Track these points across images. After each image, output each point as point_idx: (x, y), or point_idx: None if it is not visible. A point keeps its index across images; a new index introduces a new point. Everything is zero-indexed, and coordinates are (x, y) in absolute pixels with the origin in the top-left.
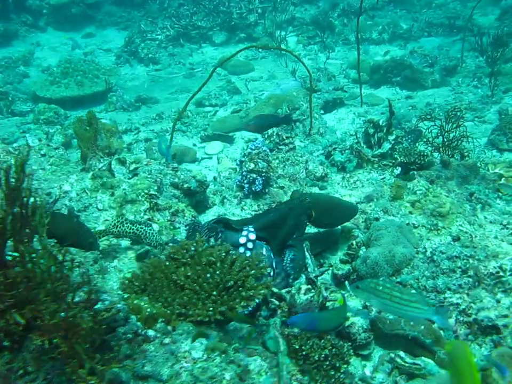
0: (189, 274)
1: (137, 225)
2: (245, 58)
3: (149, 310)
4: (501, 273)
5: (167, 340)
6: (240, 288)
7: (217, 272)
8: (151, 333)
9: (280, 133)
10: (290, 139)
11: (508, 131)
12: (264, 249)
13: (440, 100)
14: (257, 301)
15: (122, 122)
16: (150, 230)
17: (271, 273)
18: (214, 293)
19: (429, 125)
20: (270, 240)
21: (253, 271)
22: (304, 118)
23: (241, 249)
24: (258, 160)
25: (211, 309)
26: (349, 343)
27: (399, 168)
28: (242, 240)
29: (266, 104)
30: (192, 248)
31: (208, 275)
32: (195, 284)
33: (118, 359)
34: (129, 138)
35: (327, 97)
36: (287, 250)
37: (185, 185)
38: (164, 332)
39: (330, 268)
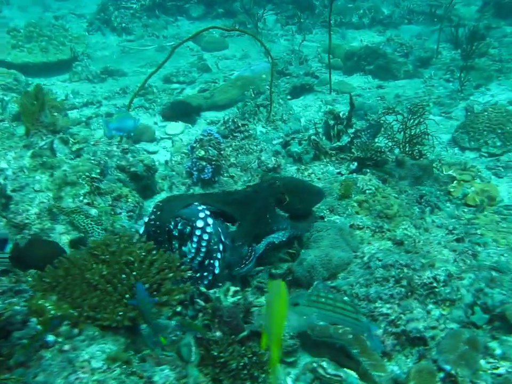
0: (104, 273)
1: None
2: (221, 35)
3: (53, 311)
4: (434, 284)
5: (66, 347)
6: (155, 293)
7: (134, 273)
8: (50, 338)
9: (235, 120)
10: (246, 126)
11: (470, 130)
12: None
13: (411, 91)
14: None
15: (84, 94)
16: (98, 228)
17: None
18: (127, 295)
19: (392, 119)
20: (239, 219)
21: (171, 274)
22: (268, 103)
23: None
24: (209, 148)
25: (121, 313)
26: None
27: (355, 163)
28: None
29: (233, 86)
30: (115, 244)
31: (124, 276)
32: (108, 285)
33: (7, 367)
34: (90, 112)
35: (295, 82)
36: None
37: (132, 169)
38: (67, 336)
39: (268, 267)
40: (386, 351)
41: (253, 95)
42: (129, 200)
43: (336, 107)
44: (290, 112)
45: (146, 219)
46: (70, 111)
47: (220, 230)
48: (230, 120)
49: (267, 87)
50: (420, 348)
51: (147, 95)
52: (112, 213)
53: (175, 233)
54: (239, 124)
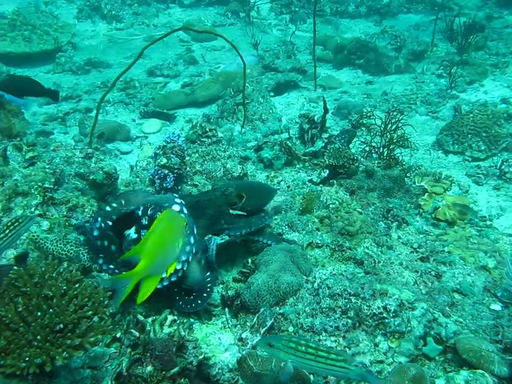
0: (20, 309)
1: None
2: (213, 23)
3: None
4: (384, 314)
5: None
6: (69, 334)
7: (51, 310)
8: None
9: (203, 125)
10: (214, 131)
11: (455, 132)
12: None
13: (400, 88)
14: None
15: (64, 88)
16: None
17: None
18: (38, 337)
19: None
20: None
21: (90, 312)
22: (247, 101)
23: (177, 207)
24: (171, 156)
25: (27, 358)
26: None
27: (327, 171)
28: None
29: (215, 82)
30: (38, 274)
31: (39, 313)
32: (22, 324)
33: None
34: (68, 107)
35: (279, 78)
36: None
37: (91, 177)
38: None
39: (221, 286)
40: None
41: (232, 93)
42: (86, 210)
43: (319, 105)
44: (270, 111)
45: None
46: (47, 106)
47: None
48: (198, 124)
49: (247, 85)
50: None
51: (128, 90)
52: (67, 224)
53: (144, 221)
54: (207, 129)
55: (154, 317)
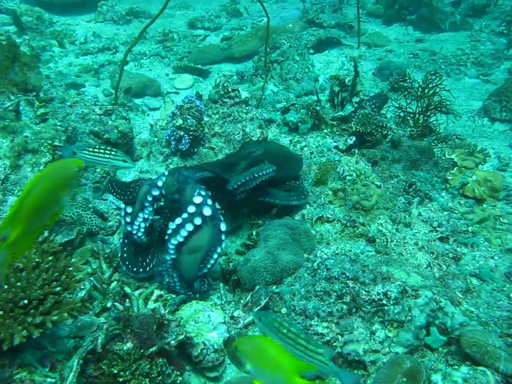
0: None
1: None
2: None
3: None
4: (384, 301)
5: None
6: (32, 311)
7: (19, 283)
8: None
9: (225, 84)
10: (237, 92)
11: (503, 98)
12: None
13: (452, 47)
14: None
15: (104, 38)
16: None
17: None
18: (0, 312)
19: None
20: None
21: (58, 288)
22: (283, 59)
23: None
24: (188, 117)
25: None
26: (179, 371)
27: (353, 138)
28: (197, 200)
29: (253, 37)
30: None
31: (6, 286)
32: None
33: None
34: (103, 59)
35: (321, 34)
36: None
37: (105, 136)
38: None
39: (223, 257)
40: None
41: (268, 49)
42: (98, 170)
43: (361, 64)
44: (307, 70)
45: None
46: (83, 57)
47: None
48: (220, 84)
49: (283, 41)
50: (360, 372)
51: (166, 42)
52: (76, 184)
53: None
54: (229, 89)
55: (142, 290)
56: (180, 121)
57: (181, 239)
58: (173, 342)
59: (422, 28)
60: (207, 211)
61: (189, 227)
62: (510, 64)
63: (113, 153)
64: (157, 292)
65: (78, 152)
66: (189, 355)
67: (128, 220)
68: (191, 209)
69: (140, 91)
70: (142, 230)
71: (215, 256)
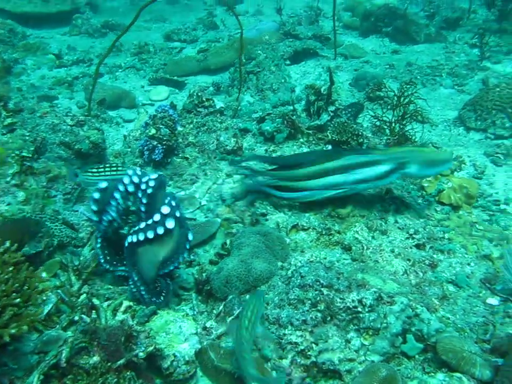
0: None
1: None
2: None
3: None
4: (359, 308)
5: None
6: None
7: None
8: None
9: (199, 94)
10: (211, 101)
11: (478, 108)
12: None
13: (427, 58)
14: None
15: (78, 50)
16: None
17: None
18: None
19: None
20: None
21: (18, 300)
22: (259, 70)
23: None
24: (161, 126)
25: None
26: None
27: (329, 147)
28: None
29: (229, 48)
30: None
31: None
32: None
33: None
34: (78, 71)
35: (297, 45)
36: None
37: (77, 146)
38: None
39: (196, 268)
40: None
41: (243, 61)
42: (67, 181)
43: (338, 75)
44: (283, 80)
45: None
46: (57, 69)
47: None
48: (194, 93)
49: (259, 51)
50: (335, 382)
51: (141, 54)
52: (46, 195)
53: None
54: (203, 99)
55: (111, 302)
56: (153, 131)
57: (138, 239)
58: (141, 354)
59: (398, 40)
60: (170, 224)
61: (150, 234)
62: (483, 75)
63: (114, 169)
64: (126, 303)
65: (81, 175)
66: (159, 367)
67: (95, 208)
68: (156, 217)
69: (115, 103)
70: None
71: (180, 259)
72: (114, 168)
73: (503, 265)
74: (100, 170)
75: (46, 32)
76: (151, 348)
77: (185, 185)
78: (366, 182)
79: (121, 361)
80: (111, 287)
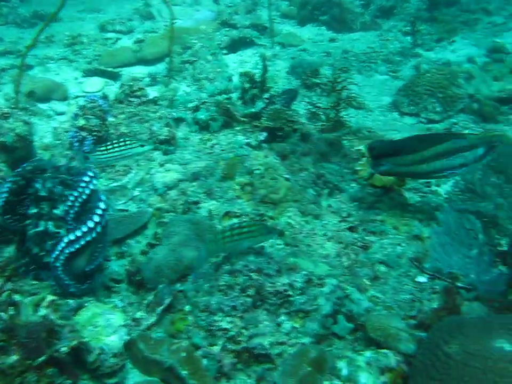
0: None
1: None
2: None
3: None
4: (290, 292)
5: None
6: None
7: None
8: None
9: (131, 83)
10: (143, 91)
11: (410, 92)
12: None
13: (363, 46)
14: None
15: (6, 41)
16: None
17: None
18: None
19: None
20: None
21: None
22: (195, 59)
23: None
24: (90, 117)
25: None
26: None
27: (264, 134)
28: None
29: (165, 38)
30: None
31: None
32: None
33: None
34: (5, 63)
35: (234, 35)
36: None
37: (0, 139)
38: None
39: (128, 258)
40: (224, 371)
41: (179, 50)
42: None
43: (275, 63)
44: (219, 69)
45: None
46: None
47: None
48: (126, 83)
49: (194, 41)
50: (267, 366)
51: (74, 46)
52: None
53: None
54: (135, 88)
55: (33, 297)
56: (82, 122)
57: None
58: (64, 349)
59: (335, 28)
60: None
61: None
62: (416, 61)
63: (128, 142)
64: (49, 297)
65: (91, 156)
66: (86, 362)
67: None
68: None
69: (45, 95)
70: None
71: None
72: (123, 143)
73: (430, 244)
74: (108, 148)
75: None
76: (74, 342)
77: (118, 177)
78: (466, 165)
79: (42, 358)
80: (36, 282)
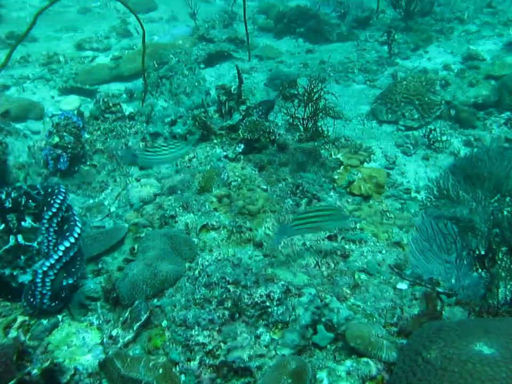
0: None
1: None
2: None
3: None
4: (268, 303)
5: None
6: None
7: None
8: None
9: (105, 99)
10: (118, 106)
11: (388, 100)
12: None
13: (340, 56)
14: None
15: None
16: None
17: None
18: None
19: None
20: None
21: None
22: (171, 74)
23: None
24: (64, 134)
25: None
26: None
27: (242, 145)
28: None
29: (141, 54)
30: None
31: None
32: None
33: None
34: None
35: (211, 49)
36: None
37: None
38: None
39: (105, 275)
40: None
41: (156, 65)
42: None
43: (253, 76)
44: (196, 83)
45: None
46: None
47: None
48: (100, 99)
49: (171, 56)
50: (246, 380)
51: (51, 65)
52: None
53: (8, 204)
54: (110, 104)
55: (4, 319)
56: (57, 139)
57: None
58: (35, 371)
59: (312, 39)
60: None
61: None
62: (393, 70)
63: (172, 145)
64: (20, 318)
65: (139, 155)
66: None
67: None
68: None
69: (21, 115)
70: None
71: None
72: (172, 145)
73: (409, 250)
74: (156, 149)
75: None
76: (46, 364)
77: (94, 193)
78: None
79: (12, 382)
80: (8, 304)
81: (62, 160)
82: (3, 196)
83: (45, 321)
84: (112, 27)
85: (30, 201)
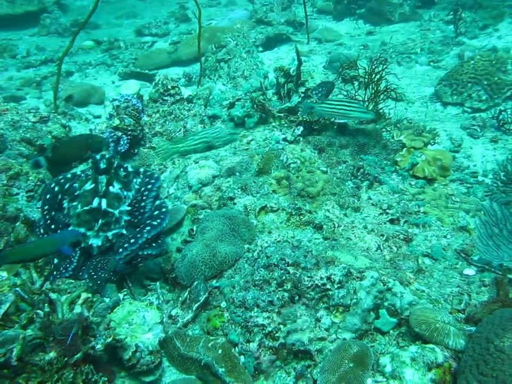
0: None
1: None
2: None
3: None
4: (328, 286)
5: None
6: None
7: None
8: None
9: (164, 82)
10: (177, 89)
11: (453, 81)
12: None
13: (403, 37)
14: None
15: (48, 50)
16: None
17: None
18: None
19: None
20: None
21: None
22: (230, 57)
23: None
24: (125, 116)
25: None
26: (108, 377)
27: (301, 128)
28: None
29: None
30: None
31: None
32: None
33: None
34: (47, 71)
35: (269, 32)
36: None
37: (39, 142)
38: None
39: (163, 256)
40: (262, 369)
41: (214, 49)
42: (30, 178)
43: (312, 59)
44: (255, 67)
45: None
46: (25, 70)
47: None
48: (160, 82)
49: (229, 39)
50: (306, 363)
51: (111, 51)
52: (7, 193)
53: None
54: (169, 87)
55: (69, 295)
56: (117, 122)
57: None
58: (99, 346)
59: (372, 21)
60: None
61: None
62: (459, 50)
63: (353, 105)
64: (84, 295)
65: (317, 106)
66: (119, 359)
67: None
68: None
69: (84, 99)
70: None
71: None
72: (348, 104)
73: (476, 235)
74: (333, 103)
75: (14, 33)
76: (109, 339)
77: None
78: None
79: (78, 355)
80: (73, 281)
81: (122, 142)
82: (98, 157)
83: (106, 299)
84: (170, 12)
85: (122, 169)
